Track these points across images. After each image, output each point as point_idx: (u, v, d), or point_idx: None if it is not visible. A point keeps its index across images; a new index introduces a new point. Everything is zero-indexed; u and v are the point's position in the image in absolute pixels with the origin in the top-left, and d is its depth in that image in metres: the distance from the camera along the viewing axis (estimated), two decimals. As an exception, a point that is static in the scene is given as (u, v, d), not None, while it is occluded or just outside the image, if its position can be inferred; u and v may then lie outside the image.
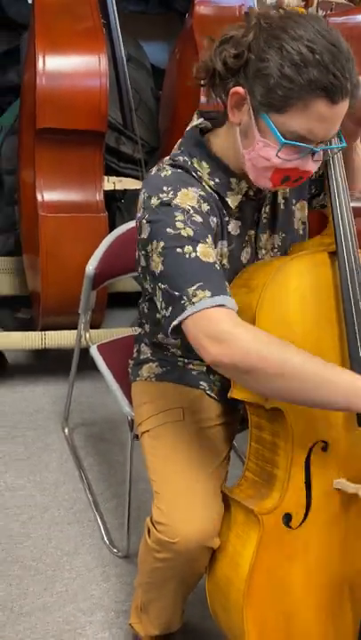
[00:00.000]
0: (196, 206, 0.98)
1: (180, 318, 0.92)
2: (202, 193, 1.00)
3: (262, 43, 0.91)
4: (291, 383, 0.89)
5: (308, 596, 1.04)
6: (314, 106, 0.89)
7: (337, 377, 0.91)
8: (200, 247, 0.94)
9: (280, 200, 1.12)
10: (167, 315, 0.95)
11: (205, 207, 1.00)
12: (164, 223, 0.96)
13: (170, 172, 1.01)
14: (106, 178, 1.98)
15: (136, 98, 2.36)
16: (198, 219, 0.97)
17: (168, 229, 0.95)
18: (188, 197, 0.98)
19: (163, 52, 2.61)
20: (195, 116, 1.08)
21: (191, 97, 1.98)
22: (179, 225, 0.95)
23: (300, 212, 1.15)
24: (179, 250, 0.94)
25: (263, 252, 1.12)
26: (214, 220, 1.02)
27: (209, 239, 0.97)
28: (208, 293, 0.91)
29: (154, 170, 1.04)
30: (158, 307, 0.98)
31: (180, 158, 1.04)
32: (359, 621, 1.07)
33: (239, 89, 0.94)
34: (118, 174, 2.23)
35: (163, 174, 1.01)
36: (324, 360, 1.00)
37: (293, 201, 1.14)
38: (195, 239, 0.95)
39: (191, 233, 0.95)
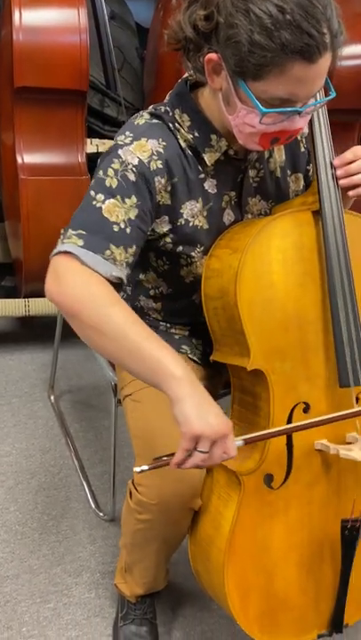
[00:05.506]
0: (145, 161, 0.96)
1: (51, 254, 0.93)
2: (159, 149, 0.98)
3: (229, 5, 0.85)
4: (104, 341, 0.88)
5: (288, 553, 1.05)
6: (291, 70, 0.84)
7: (151, 351, 0.85)
8: (110, 202, 0.94)
9: (275, 167, 1.09)
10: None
11: (156, 165, 0.98)
12: (102, 165, 0.97)
13: (143, 121, 1.00)
14: (88, 140, 1.93)
15: (120, 57, 2.28)
16: (132, 177, 0.95)
17: (100, 172, 0.97)
18: (140, 149, 0.97)
19: (148, 11, 2.52)
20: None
21: (176, 56, 1.91)
22: (110, 172, 0.96)
23: (295, 183, 1.13)
24: (92, 193, 0.95)
25: (250, 216, 1.10)
26: (162, 180, 0.99)
27: (131, 199, 0.95)
28: (80, 242, 0.91)
29: (134, 116, 1.03)
30: None
31: (162, 108, 1.02)
32: (339, 579, 1.08)
33: (213, 55, 0.89)
34: (102, 137, 2.18)
35: (136, 122, 1.00)
36: (305, 319, 0.98)
37: (288, 172, 1.11)
38: (112, 192, 0.94)
39: (114, 185, 0.95)
